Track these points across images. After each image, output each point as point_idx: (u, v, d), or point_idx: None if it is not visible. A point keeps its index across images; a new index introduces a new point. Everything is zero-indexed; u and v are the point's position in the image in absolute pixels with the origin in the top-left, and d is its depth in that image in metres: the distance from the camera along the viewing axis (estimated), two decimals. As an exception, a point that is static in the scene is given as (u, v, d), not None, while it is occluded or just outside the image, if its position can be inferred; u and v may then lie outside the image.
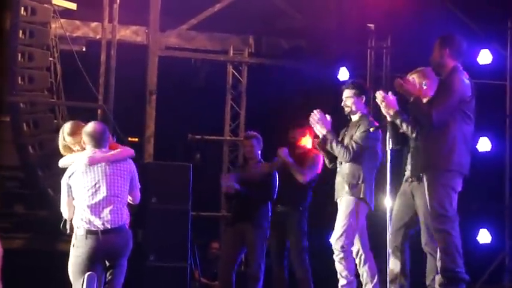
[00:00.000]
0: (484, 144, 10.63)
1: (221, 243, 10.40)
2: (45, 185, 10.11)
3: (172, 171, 9.90)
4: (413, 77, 6.50)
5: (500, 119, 10.75)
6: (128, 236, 6.16)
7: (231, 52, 12.36)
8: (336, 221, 6.98)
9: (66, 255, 6.12)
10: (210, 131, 12.08)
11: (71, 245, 6.08)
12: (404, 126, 6.31)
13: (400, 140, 6.57)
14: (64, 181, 6.15)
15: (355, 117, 7.18)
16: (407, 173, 6.45)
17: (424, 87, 6.40)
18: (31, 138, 10.24)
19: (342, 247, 6.87)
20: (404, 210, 6.42)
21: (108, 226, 6.00)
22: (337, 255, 6.90)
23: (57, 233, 6.31)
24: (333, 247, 6.93)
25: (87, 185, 6.05)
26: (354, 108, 7.14)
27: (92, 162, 6.09)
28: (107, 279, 6.09)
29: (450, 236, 6.05)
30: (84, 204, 6.03)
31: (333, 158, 7.18)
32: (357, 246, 7.06)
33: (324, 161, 7.46)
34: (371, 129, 6.85)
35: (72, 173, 6.12)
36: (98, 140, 6.17)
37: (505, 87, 10.88)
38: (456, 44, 6.33)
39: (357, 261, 7.08)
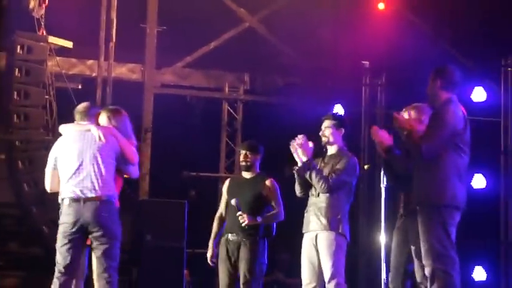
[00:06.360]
0: (479, 181, 10.66)
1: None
2: (40, 222, 10.09)
3: (168, 208, 9.90)
4: (410, 112, 6.54)
5: (495, 156, 10.78)
6: (105, 208, 6.16)
7: (226, 89, 12.39)
8: (322, 261, 6.79)
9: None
10: (205, 168, 12.07)
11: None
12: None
13: (394, 176, 6.60)
14: (52, 154, 6.35)
15: (332, 150, 7.09)
16: (401, 210, 6.47)
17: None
18: (26, 175, 10.22)
19: (338, 285, 6.74)
20: (400, 248, 6.41)
21: (88, 195, 6.13)
22: None
23: (52, 272, 6.28)
24: (327, 287, 6.77)
25: (72, 157, 6.22)
26: (331, 139, 7.05)
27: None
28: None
29: (451, 277, 5.81)
30: (67, 176, 6.20)
31: (306, 187, 7.01)
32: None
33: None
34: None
35: (60, 146, 6.33)
36: (83, 114, 6.47)
37: (499, 124, 10.93)
38: (448, 75, 6.15)
39: None
